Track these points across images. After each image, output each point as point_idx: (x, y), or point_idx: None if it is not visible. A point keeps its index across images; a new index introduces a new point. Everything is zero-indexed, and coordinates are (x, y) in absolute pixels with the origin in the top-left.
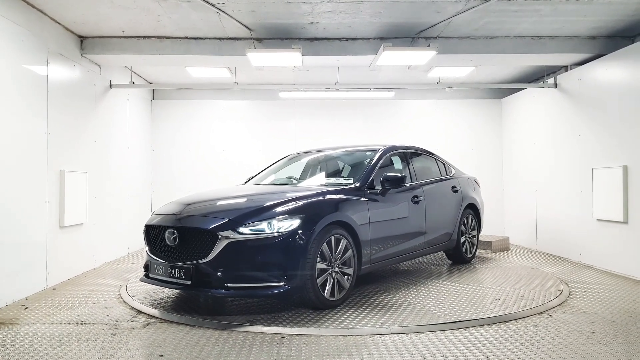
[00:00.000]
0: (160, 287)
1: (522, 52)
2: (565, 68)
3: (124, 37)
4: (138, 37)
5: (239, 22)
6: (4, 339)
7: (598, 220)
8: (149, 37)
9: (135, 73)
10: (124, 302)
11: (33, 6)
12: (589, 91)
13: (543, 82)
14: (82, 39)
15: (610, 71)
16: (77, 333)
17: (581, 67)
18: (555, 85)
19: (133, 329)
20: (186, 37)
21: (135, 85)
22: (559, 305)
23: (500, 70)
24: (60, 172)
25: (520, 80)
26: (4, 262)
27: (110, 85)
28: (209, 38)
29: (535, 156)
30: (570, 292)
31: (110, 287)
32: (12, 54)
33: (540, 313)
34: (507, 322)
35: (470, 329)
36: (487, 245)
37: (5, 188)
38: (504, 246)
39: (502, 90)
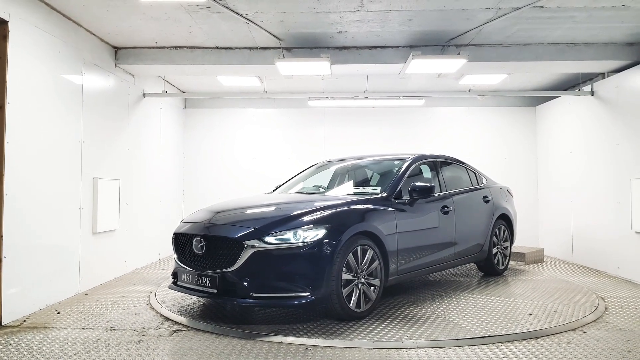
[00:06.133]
0: (188, 295)
1: (556, 59)
2: (602, 75)
3: (157, 47)
4: (170, 47)
5: (268, 32)
6: (37, 343)
7: (637, 232)
8: (180, 47)
9: (167, 82)
10: (153, 308)
11: (69, 18)
12: (627, 99)
13: (579, 90)
14: (116, 49)
15: None
16: (106, 339)
17: (619, 74)
18: (592, 93)
19: (160, 336)
20: (217, 47)
21: (168, 94)
22: (593, 321)
23: (534, 77)
24: (93, 180)
25: (555, 88)
26: (39, 268)
27: (144, 95)
28: (239, 48)
29: (571, 166)
30: (606, 308)
31: (140, 293)
32: (49, 64)
33: (574, 329)
34: (538, 338)
35: (500, 344)
36: (521, 256)
37: (41, 194)
38: (538, 258)
39: (536, 98)
